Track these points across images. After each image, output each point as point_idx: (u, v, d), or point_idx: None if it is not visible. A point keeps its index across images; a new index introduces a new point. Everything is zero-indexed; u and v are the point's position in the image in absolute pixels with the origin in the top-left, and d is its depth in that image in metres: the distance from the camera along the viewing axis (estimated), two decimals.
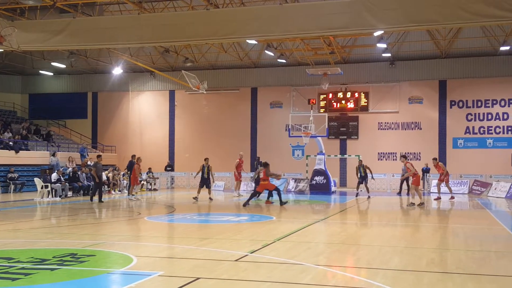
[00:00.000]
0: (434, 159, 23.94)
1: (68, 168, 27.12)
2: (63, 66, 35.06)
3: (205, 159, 23.21)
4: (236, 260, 8.81)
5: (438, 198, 23.54)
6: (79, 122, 39.04)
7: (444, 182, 23.31)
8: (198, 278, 7.42)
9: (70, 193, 24.63)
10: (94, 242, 10.64)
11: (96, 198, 21.40)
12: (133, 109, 38.25)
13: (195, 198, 22.08)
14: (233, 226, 13.94)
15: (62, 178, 24.31)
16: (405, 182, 26.62)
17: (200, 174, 22.92)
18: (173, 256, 9.49)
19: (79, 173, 25.68)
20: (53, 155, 29.14)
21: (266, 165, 20.41)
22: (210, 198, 22.84)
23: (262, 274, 7.79)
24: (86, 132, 38.74)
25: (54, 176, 23.77)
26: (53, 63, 34.58)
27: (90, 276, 7.57)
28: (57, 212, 18.35)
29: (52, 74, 38.79)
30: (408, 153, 32.97)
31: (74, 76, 39.49)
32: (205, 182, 22.73)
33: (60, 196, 23.33)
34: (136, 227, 13.98)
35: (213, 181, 24.20)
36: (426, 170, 30.18)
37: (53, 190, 23.26)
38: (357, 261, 9.19)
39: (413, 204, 20.25)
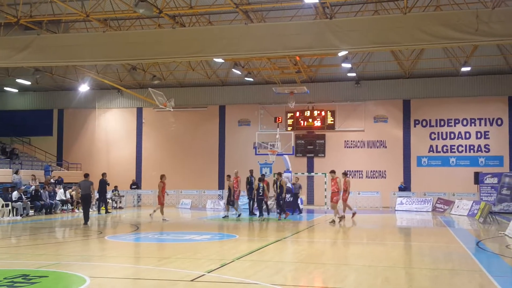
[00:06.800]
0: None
1: (31, 186, 26.66)
2: (28, 82, 34.60)
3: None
4: (192, 280, 8.78)
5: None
6: (44, 139, 38.39)
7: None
8: None
9: (31, 212, 24.15)
10: (49, 262, 10.47)
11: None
12: (99, 127, 37.89)
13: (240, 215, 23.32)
14: (194, 245, 13.88)
15: (23, 196, 23.84)
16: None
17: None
18: (128, 277, 9.39)
19: (41, 191, 25.23)
20: (16, 173, 28.62)
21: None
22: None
23: None
24: (51, 149, 38.14)
25: (14, 194, 23.29)
26: (18, 80, 34.09)
27: None
28: (17, 231, 17.99)
29: (17, 90, 38.23)
30: (374, 171, 33.43)
31: (40, 93, 38.99)
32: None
33: (21, 215, 22.88)
34: (95, 247, 13.79)
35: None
36: (403, 189, 30.75)
37: (14, 208, 22.80)
38: (313, 280, 9.26)
39: (334, 221, 20.23)
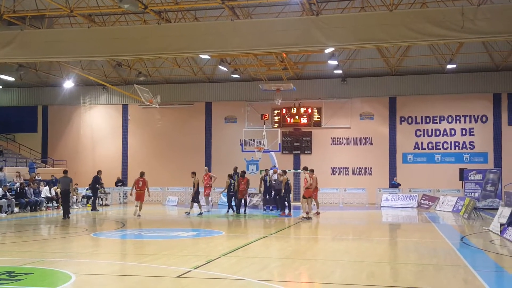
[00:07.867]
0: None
1: (16, 183, 26.38)
2: (12, 79, 34.19)
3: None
4: (178, 276, 8.76)
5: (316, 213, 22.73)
6: (28, 136, 38.06)
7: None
8: None
9: (16, 209, 23.93)
10: (34, 259, 10.38)
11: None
12: (85, 123, 37.60)
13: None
14: (180, 242, 13.85)
15: (7, 193, 23.60)
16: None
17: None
18: (113, 273, 9.33)
19: (26, 188, 24.99)
20: (0, 170, 28.26)
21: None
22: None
23: None
24: (36, 146, 37.79)
25: None
26: (1, 76, 33.65)
27: None
28: (1, 228, 17.77)
29: (0, 87, 37.80)
30: (360, 168, 33.58)
31: (24, 89, 38.61)
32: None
33: (5, 212, 22.65)
34: (81, 244, 13.67)
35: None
36: (396, 185, 30.91)
37: None
38: (299, 276, 9.27)
39: (307, 217, 20.39)
